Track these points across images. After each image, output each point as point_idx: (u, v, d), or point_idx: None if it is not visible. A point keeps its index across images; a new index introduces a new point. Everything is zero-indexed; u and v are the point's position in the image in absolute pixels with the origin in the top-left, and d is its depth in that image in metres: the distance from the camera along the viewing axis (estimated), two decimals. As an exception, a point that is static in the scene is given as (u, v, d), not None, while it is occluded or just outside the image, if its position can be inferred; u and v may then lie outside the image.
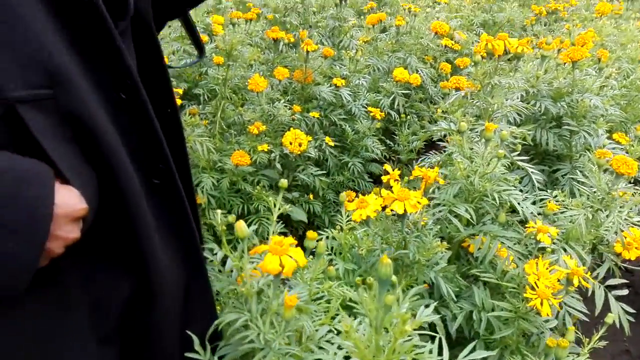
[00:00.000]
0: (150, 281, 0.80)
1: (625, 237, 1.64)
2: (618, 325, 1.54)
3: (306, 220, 2.39)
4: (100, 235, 0.74)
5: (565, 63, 2.27)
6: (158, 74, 0.89)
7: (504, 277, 1.45)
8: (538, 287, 1.22)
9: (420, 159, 2.98)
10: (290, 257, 0.87)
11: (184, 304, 0.92)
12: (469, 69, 3.00)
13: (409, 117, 3.07)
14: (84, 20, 0.66)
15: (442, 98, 3.57)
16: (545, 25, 4.04)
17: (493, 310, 1.41)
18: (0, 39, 0.58)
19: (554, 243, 1.53)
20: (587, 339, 1.26)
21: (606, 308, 1.56)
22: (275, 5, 3.84)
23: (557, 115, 2.09)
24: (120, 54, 0.70)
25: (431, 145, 3.55)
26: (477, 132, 1.80)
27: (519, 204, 1.45)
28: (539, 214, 1.49)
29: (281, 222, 1.19)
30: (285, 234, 1.13)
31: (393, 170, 1.41)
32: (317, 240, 1.02)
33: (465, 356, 0.80)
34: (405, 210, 1.23)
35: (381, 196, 1.29)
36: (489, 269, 1.45)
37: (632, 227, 1.60)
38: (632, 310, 1.58)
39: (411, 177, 1.46)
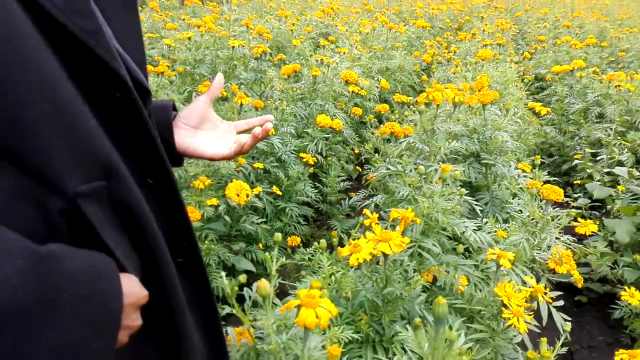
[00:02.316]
0: (181, 356, 0.81)
1: (556, 255, 1.89)
2: (562, 331, 1.76)
3: (254, 269, 2.39)
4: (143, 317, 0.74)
5: (469, 105, 2.59)
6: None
7: (471, 302, 1.59)
8: (512, 307, 1.37)
9: (349, 198, 3.14)
10: (324, 308, 0.91)
11: None
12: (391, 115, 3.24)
13: (332, 159, 3.22)
14: (124, 114, 0.69)
15: (362, 140, 3.80)
16: (434, 71, 4.49)
17: (466, 334, 1.54)
18: (61, 138, 0.59)
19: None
20: (552, 347, 1.43)
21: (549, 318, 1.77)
22: (185, 57, 3.85)
23: (475, 152, 2.35)
24: (154, 142, 0.73)
25: (357, 184, 3.75)
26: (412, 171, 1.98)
27: (473, 232, 1.61)
28: (494, 240, 1.66)
29: (226, 273, 1.20)
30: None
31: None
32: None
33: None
34: (391, 250, 1.32)
35: (363, 240, 1.37)
36: (457, 296, 1.58)
37: (561, 245, 1.85)
38: (569, 318, 1.82)
39: (390, 220, 1.55)
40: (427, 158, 2.00)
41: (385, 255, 1.38)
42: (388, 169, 1.98)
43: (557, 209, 1.88)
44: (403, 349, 0.97)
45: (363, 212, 2.19)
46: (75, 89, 0.61)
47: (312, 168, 2.78)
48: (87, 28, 0.62)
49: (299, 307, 0.91)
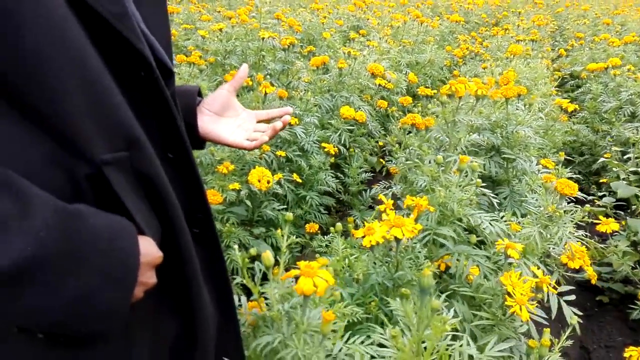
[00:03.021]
0: (195, 321, 0.87)
1: (569, 249, 1.90)
2: (568, 322, 1.77)
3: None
4: (159, 279, 0.81)
5: (493, 99, 2.59)
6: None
7: (478, 290, 1.62)
8: (516, 295, 1.39)
9: (370, 190, 3.18)
10: (322, 278, 0.97)
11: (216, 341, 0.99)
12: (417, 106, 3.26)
13: (355, 151, 3.27)
14: (147, 92, 0.75)
15: (387, 133, 3.82)
16: (462, 65, 4.46)
17: (472, 321, 1.58)
18: (90, 110, 0.66)
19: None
20: (557, 340, 1.45)
21: (559, 312, 1.79)
22: (216, 48, 3.95)
23: (496, 146, 2.35)
24: (174, 119, 0.80)
25: (380, 176, 3.78)
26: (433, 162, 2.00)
27: (490, 224, 1.64)
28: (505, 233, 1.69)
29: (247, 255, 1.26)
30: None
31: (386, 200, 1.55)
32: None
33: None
34: (403, 235, 1.37)
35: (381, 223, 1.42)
36: (465, 284, 1.62)
37: (575, 240, 1.86)
38: (580, 313, 1.82)
39: (404, 206, 1.59)
40: (447, 149, 2.03)
41: (397, 240, 1.43)
42: (408, 159, 2.02)
43: (578, 207, 1.88)
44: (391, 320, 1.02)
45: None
46: (104, 66, 0.68)
47: (334, 158, 2.83)
48: (115, 12, 0.69)
49: (298, 277, 0.98)
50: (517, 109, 2.43)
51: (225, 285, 0.98)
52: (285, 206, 2.64)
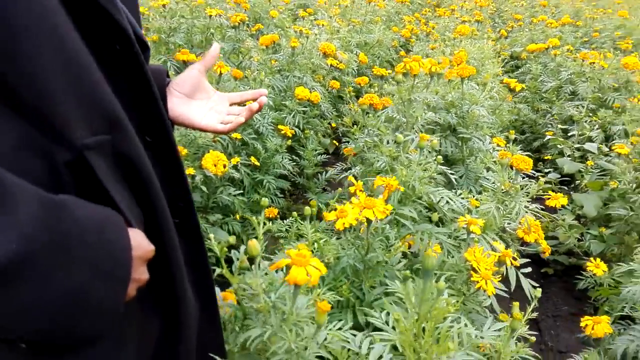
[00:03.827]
0: (180, 316, 0.82)
1: (524, 224, 1.96)
2: (530, 298, 1.84)
3: (232, 241, 2.39)
4: None
5: (448, 79, 2.61)
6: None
7: (443, 267, 1.63)
8: (481, 270, 1.41)
9: (325, 172, 3.15)
10: (314, 266, 0.93)
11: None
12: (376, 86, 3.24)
13: (309, 133, 3.22)
14: (126, 68, 0.68)
15: (339, 114, 3.79)
16: (413, 45, 4.49)
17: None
18: (69, 89, 0.59)
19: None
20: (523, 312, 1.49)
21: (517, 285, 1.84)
22: (159, 25, 3.75)
23: (452, 125, 2.38)
24: (155, 99, 0.73)
25: (334, 158, 3.76)
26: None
27: (451, 200, 1.65)
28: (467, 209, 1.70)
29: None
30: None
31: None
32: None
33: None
34: (375, 216, 1.34)
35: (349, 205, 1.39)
36: (430, 263, 1.63)
37: (531, 214, 1.91)
38: (536, 285, 1.89)
39: (374, 187, 1.57)
40: (404, 129, 2.02)
41: (368, 221, 1.40)
42: (366, 140, 2.00)
43: (532, 181, 1.94)
44: (391, 304, 1.00)
45: (343, 184, 2.19)
46: (81, 39, 0.60)
47: (289, 141, 2.77)
48: None
49: (288, 266, 0.93)
50: (471, 89, 2.45)
51: (207, 278, 0.93)
52: (241, 191, 2.56)
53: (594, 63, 3.68)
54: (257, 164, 2.46)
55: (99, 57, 0.64)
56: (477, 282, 1.43)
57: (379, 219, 1.35)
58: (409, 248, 1.78)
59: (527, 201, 2.03)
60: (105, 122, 0.64)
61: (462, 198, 1.91)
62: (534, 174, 3.01)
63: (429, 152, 1.69)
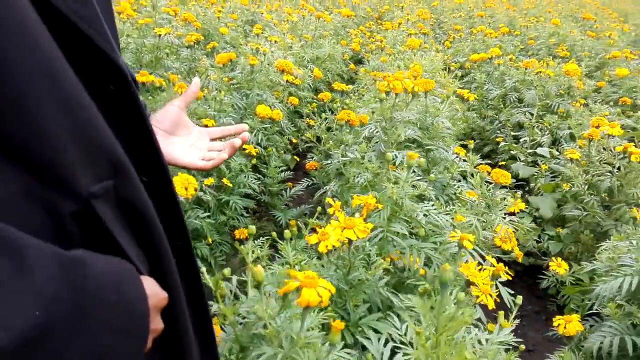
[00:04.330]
0: (183, 357, 0.79)
1: (504, 234, 2.03)
2: (508, 305, 1.90)
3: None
4: None
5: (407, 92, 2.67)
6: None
7: (433, 281, 1.66)
8: (480, 285, 1.45)
9: (288, 189, 3.14)
10: (324, 287, 0.92)
11: None
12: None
13: (272, 150, 3.20)
14: (122, 108, 0.65)
15: (298, 130, 3.79)
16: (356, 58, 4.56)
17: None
18: (72, 133, 0.55)
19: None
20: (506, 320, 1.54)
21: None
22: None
23: (419, 137, 2.43)
24: (151, 137, 0.70)
25: (295, 174, 3.74)
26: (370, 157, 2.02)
27: (436, 215, 1.68)
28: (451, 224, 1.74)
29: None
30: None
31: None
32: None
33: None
34: (356, 236, 1.35)
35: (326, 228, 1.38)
36: (420, 278, 1.65)
37: (508, 224, 1.98)
38: (512, 292, 1.96)
39: (352, 206, 1.57)
40: (385, 145, 2.05)
41: (350, 241, 1.40)
42: (344, 156, 2.00)
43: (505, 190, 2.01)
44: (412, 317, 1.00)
45: (307, 200, 2.17)
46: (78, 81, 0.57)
47: (254, 160, 2.74)
48: (84, 14, 0.57)
49: (298, 288, 0.92)
50: (433, 102, 2.52)
51: (205, 315, 0.89)
52: (208, 213, 2.50)
53: (540, 72, 3.88)
54: (230, 184, 2.41)
55: (94, 97, 0.60)
56: (478, 296, 1.46)
57: (360, 238, 1.36)
58: (391, 264, 1.79)
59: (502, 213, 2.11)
60: (109, 167, 0.60)
61: (445, 214, 1.95)
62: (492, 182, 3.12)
63: (416, 168, 1.72)
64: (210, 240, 2.31)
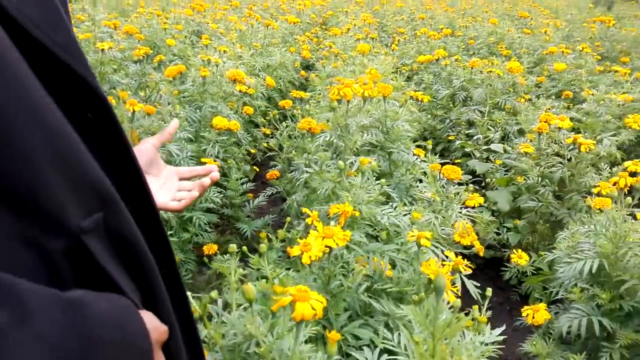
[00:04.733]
0: None
1: (462, 229, 2.07)
2: (475, 297, 1.95)
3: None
4: None
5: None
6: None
7: (399, 283, 1.67)
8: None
9: (250, 200, 3.10)
10: (317, 300, 0.91)
11: None
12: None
13: (231, 162, 3.15)
14: (104, 136, 0.63)
15: (254, 140, 3.75)
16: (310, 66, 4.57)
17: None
18: (58, 166, 0.52)
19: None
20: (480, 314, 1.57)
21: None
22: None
23: (380, 141, 2.46)
24: (135, 165, 0.67)
25: (254, 184, 3.70)
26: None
27: (394, 217, 1.70)
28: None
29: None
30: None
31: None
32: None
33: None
34: (336, 244, 1.34)
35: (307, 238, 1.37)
36: (387, 281, 1.66)
37: (465, 219, 2.03)
38: (478, 284, 2.01)
39: (330, 214, 1.56)
40: (343, 152, 2.06)
41: (330, 250, 1.40)
42: (309, 165, 1.99)
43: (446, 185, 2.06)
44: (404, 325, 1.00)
45: (270, 210, 2.15)
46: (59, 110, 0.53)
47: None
48: (60, 40, 0.54)
49: (292, 302, 0.90)
50: (392, 106, 2.56)
51: (197, 343, 0.87)
52: (171, 231, 2.43)
53: (490, 71, 4.02)
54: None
55: (74, 127, 0.57)
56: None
57: (341, 246, 1.36)
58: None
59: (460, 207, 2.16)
60: (98, 199, 0.58)
61: (401, 210, 1.98)
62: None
63: (369, 173, 1.73)
64: (177, 259, 2.24)
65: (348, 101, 2.02)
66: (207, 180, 1.00)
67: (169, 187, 0.98)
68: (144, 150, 0.96)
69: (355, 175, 1.91)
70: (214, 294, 1.02)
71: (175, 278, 0.80)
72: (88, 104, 0.59)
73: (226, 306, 1.21)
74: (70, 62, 0.55)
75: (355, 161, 1.87)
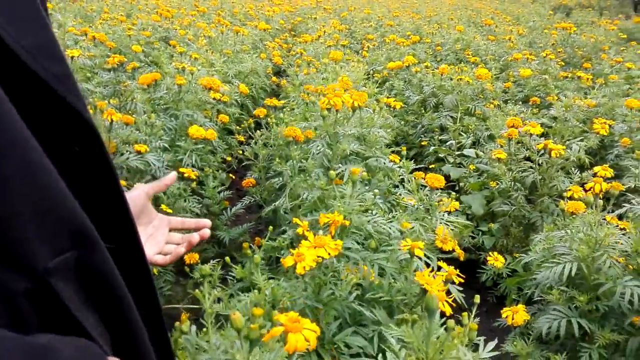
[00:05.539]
0: None
1: (442, 235, 2.11)
2: (459, 301, 1.98)
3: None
4: None
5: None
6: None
7: (390, 291, 1.69)
8: (436, 293, 1.49)
9: (228, 207, 3.08)
10: (309, 329, 0.91)
11: None
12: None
13: (208, 170, 3.12)
14: (89, 168, 0.59)
15: (229, 147, 3.72)
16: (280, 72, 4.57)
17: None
18: (34, 205, 0.49)
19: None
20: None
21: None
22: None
23: (355, 149, 2.48)
24: (123, 200, 0.64)
25: (231, 192, 3.67)
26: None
27: (384, 225, 1.72)
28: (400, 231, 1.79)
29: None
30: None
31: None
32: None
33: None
34: (328, 254, 1.35)
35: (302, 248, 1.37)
36: (378, 290, 1.68)
37: (448, 226, 2.07)
38: (460, 288, 2.05)
39: (321, 224, 1.56)
40: (331, 160, 2.07)
41: (322, 259, 1.40)
42: (296, 174, 2.00)
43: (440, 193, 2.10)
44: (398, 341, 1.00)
45: (247, 218, 2.14)
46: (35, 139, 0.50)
47: (194, 183, 2.66)
48: (56, 71, 0.51)
49: (283, 333, 0.90)
50: (366, 112, 2.59)
51: None
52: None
53: (461, 79, 4.11)
54: (169, 210, 2.32)
55: (58, 161, 0.53)
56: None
57: (333, 256, 1.37)
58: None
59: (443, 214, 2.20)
60: (72, 238, 0.54)
61: (388, 221, 2.00)
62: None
63: (360, 182, 1.75)
64: (155, 271, 2.20)
65: (337, 110, 2.04)
66: (196, 237, 0.98)
67: (157, 239, 0.96)
68: (136, 198, 0.93)
69: (343, 184, 1.93)
70: (184, 326, 1.01)
71: (157, 318, 0.77)
72: (78, 136, 0.57)
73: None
74: (66, 95, 0.53)
75: (343, 170, 1.89)
